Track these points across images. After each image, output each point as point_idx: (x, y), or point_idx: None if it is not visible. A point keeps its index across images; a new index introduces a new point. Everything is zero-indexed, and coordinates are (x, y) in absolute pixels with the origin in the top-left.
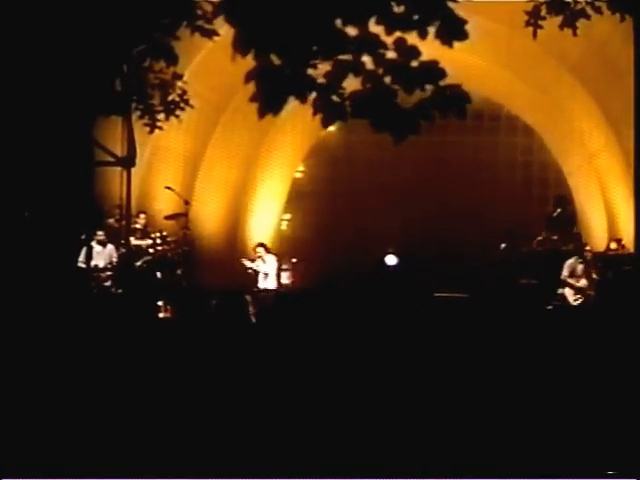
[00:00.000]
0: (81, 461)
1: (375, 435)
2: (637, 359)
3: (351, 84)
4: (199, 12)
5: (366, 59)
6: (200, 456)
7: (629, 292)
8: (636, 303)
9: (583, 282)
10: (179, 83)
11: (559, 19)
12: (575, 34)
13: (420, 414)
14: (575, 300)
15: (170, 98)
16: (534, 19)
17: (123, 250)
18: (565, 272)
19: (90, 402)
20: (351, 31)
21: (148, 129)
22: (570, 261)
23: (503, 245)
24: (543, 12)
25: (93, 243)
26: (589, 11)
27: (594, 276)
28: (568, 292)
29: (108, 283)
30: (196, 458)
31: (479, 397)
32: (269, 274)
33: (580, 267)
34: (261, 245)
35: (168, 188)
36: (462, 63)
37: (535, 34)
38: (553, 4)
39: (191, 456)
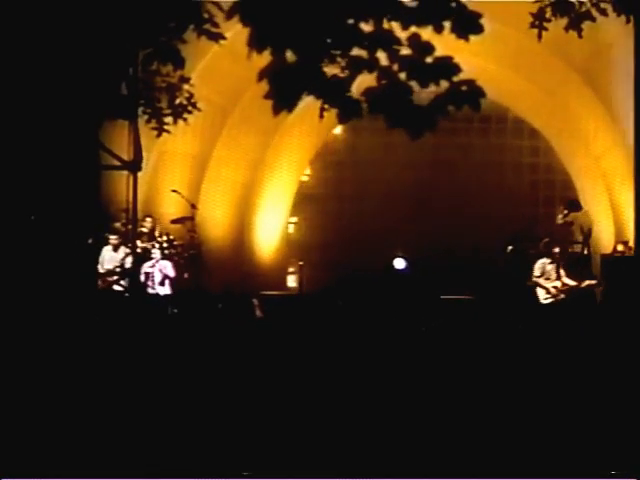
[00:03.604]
0: (81, 461)
1: (380, 435)
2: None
3: (364, 81)
4: (206, 15)
5: (380, 55)
6: (196, 459)
7: (636, 293)
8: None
9: (555, 282)
10: (186, 86)
11: (566, 21)
12: (580, 36)
13: (426, 416)
14: (545, 299)
15: (177, 101)
16: (539, 21)
17: (127, 252)
18: (536, 272)
19: (93, 402)
20: (366, 27)
21: (154, 132)
22: (541, 261)
23: (510, 247)
24: (548, 14)
25: (107, 247)
26: (594, 13)
27: (564, 278)
28: (539, 292)
29: (117, 286)
30: (193, 460)
31: (485, 397)
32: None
33: (550, 267)
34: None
35: (174, 191)
36: (469, 66)
37: (540, 36)
38: (558, 6)
39: (188, 458)
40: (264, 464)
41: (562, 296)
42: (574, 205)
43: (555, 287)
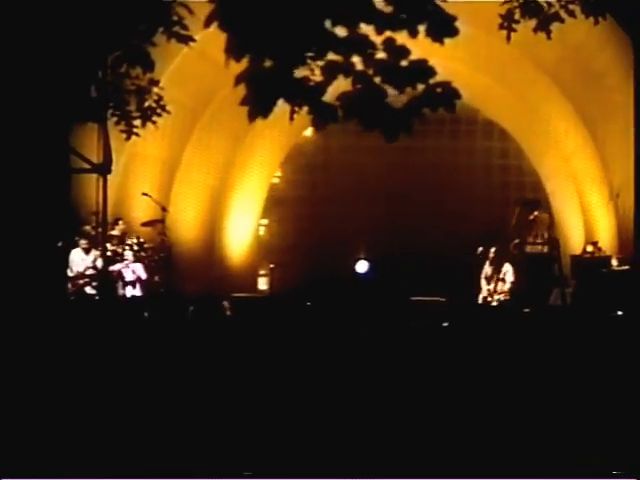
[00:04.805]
0: (76, 461)
1: (355, 435)
2: (621, 359)
3: (340, 85)
4: (175, 18)
5: (356, 60)
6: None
7: (606, 294)
8: (625, 304)
9: (489, 285)
10: (155, 89)
11: (535, 23)
12: (549, 37)
13: (397, 416)
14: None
15: (147, 104)
16: (508, 22)
17: (97, 255)
18: (482, 278)
19: (78, 403)
20: (340, 32)
21: (124, 135)
22: (485, 267)
23: (481, 249)
24: (517, 15)
25: (77, 250)
26: (563, 15)
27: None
28: (481, 295)
29: (88, 289)
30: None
31: (465, 401)
32: (135, 281)
33: (490, 270)
34: (130, 250)
35: (145, 194)
36: (439, 68)
37: (509, 37)
38: (527, 7)
39: (172, 459)
40: (243, 465)
41: (492, 298)
42: (535, 204)
43: (488, 289)
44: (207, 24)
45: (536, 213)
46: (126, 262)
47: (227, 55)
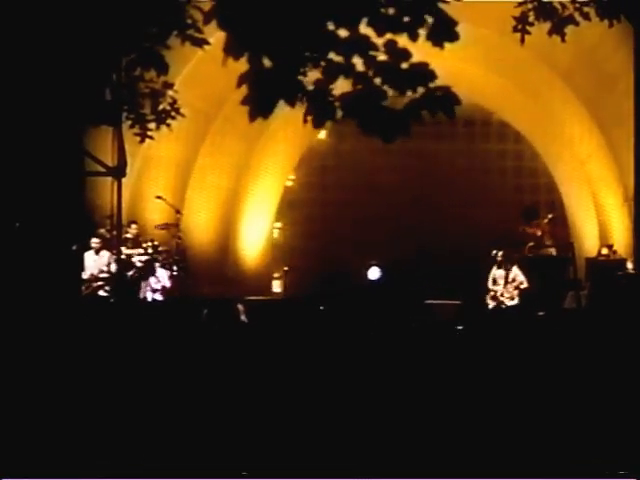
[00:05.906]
0: (78, 462)
1: (366, 436)
2: (632, 361)
3: (341, 86)
4: (189, 21)
5: (357, 61)
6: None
7: (621, 296)
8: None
9: (501, 289)
10: (170, 92)
11: (549, 25)
12: (564, 40)
13: (409, 417)
14: (491, 303)
15: (161, 107)
16: (522, 25)
17: (110, 257)
18: (489, 281)
19: (86, 405)
20: (342, 33)
21: (138, 139)
22: (492, 270)
23: (494, 252)
24: (531, 18)
25: (89, 252)
26: (577, 17)
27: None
28: (489, 298)
29: (101, 291)
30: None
31: (478, 402)
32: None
33: (499, 273)
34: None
35: (159, 197)
36: (452, 69)
37: (523, 40)
38: (541, 10)
39: (181, 460)
40: (255, 465)
41: (506, 299)
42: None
43: (495, 291)
44: (206, 21)
45: (550, 216)
46: (156, 273)
47: (226, 54)
